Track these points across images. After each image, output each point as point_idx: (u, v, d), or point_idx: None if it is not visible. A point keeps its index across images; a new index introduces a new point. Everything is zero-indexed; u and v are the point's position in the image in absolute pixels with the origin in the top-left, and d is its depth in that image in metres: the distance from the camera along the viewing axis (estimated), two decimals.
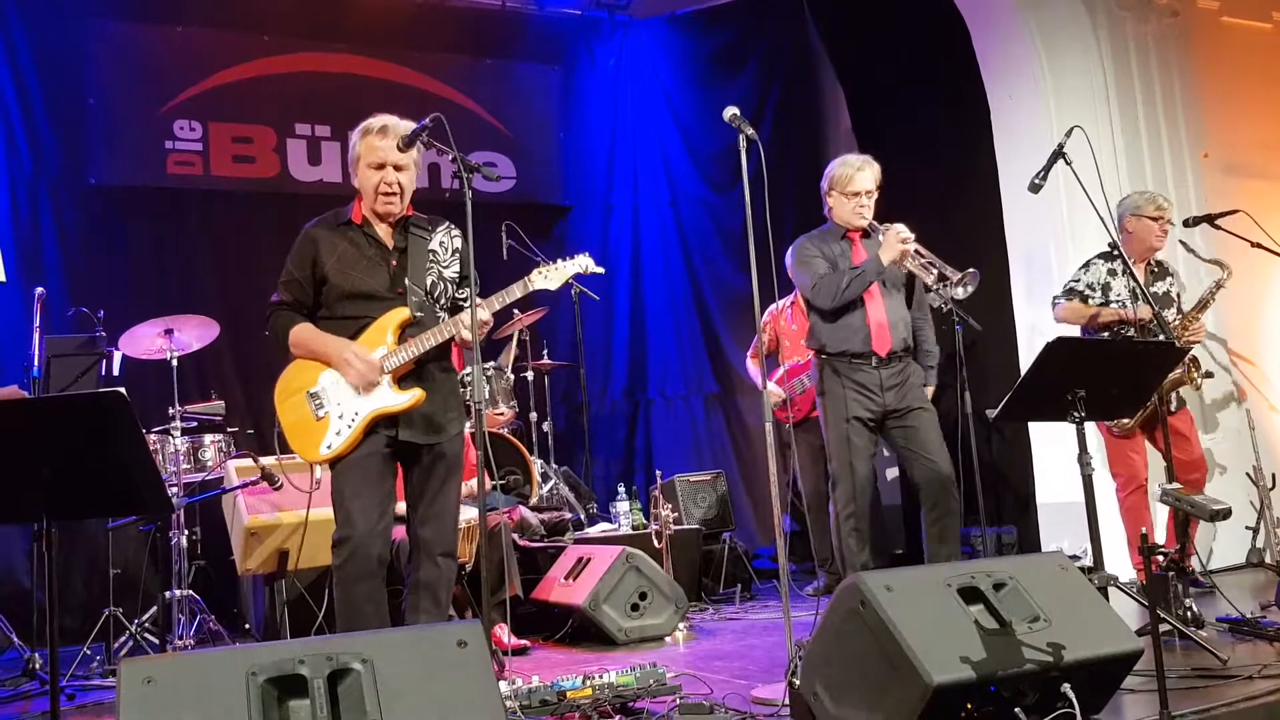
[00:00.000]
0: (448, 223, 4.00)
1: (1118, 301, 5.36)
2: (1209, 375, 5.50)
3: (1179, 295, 5.59)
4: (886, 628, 2.79)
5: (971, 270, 4.61)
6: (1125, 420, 5.26)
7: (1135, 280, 4.82)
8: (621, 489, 6.67)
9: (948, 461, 4.73)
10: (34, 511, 2.80)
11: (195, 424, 5.61)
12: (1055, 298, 5.54)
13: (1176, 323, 5.34)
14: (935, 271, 4.71)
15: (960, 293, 4.66)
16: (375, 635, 2.58)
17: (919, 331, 4.96)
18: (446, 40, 8.23)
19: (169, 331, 5.52)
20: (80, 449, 2.71)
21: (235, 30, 7.51)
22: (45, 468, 2.69)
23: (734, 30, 8.80)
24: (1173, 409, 5.44)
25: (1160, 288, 5.52)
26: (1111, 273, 5.42)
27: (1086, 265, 5.51)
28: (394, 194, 3.79)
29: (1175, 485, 2.97)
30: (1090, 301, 5.41)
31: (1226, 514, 2.86)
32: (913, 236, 4.69)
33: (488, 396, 6.14)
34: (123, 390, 2.71)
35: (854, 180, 4.83)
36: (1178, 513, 4.31)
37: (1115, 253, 5.43)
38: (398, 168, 3.77)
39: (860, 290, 4.74)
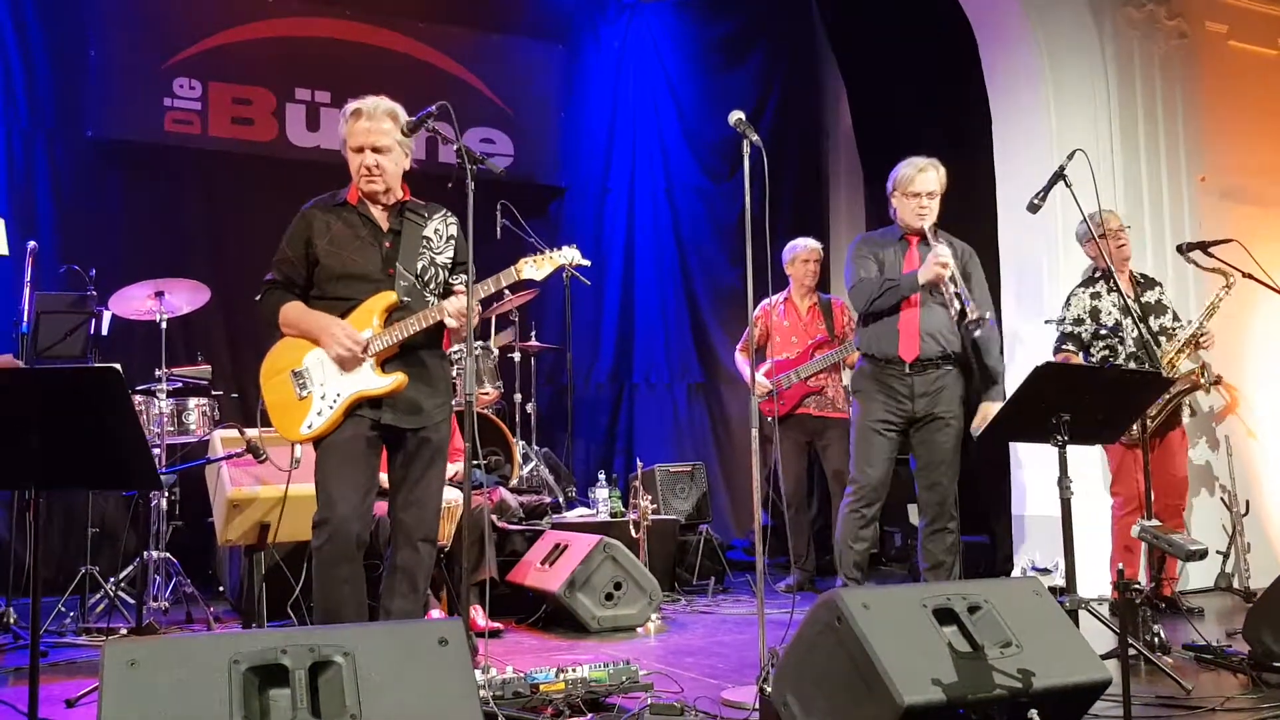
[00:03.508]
0: (444, 210, 3.99)
1: (1111, 320, 5.38)
2: (1218, 380, 5.56)
3: (1169, 301, 5.66)
4: (861, 645, 2.82)
5: (982, 316, 4.61)
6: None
7: (1119, 293, 4.89)
8: (601, 476, 6.70)
9: (953, 481, 4.77)
10: (22, 480, 2.81)
11: (180, 385, 5.61)
12: (1057, 342, 5.50)
13: (1180, 330, 5.41)
14: (959, 306, 4.69)
15: (971, 331, 4.67)
16: (358, 629, 2.60)
17: (986, 343, 4.88)
18: (452, 12, 8.19)
19: (159, 293, 5.51)
20: (72, 421, 2.71)
21: None
22: (36, 438, 2.69)
23: (740, 20, 8.79)
24: (1184, 419, 5.51)
25: (1150, 297, 5.57)
26: (1096, 296, 5.44)
27: (1068, 301, 5.52)
28: (375, 175, 3.78)
29: (1154, 522, 3.01)
30: (1080, 332, 5.43)
31: (1202, 555, 2.91)
32: (952, 264, 4.65)
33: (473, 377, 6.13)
34: (118, 366, 2.71)
35: (915, 181, 4.81)
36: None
37: (1096, 275, 5.48)
38: (376, 150, 3.75)
39: (891, 303, 4.74)
